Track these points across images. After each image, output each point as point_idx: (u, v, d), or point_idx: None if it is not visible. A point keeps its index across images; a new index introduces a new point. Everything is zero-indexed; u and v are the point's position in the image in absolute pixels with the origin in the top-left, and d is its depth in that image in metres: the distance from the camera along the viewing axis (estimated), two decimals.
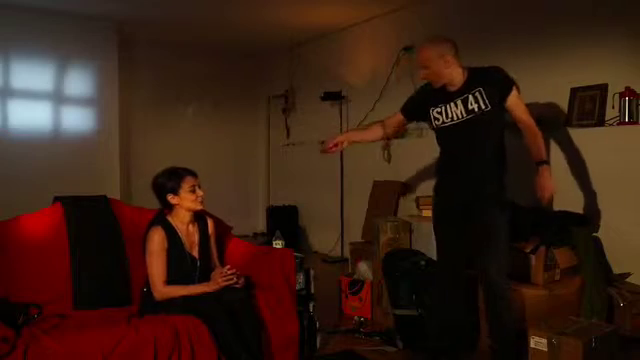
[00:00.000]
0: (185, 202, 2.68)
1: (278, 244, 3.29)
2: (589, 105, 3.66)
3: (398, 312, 3.31)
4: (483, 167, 2.70)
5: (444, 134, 2.79)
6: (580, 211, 3.55)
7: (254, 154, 7.61)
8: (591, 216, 3.50)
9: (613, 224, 3.43)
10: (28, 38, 5.34)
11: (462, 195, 2.75)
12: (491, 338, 2.77)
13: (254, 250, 3.15)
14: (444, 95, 2.73)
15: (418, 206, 4.13)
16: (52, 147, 5.51)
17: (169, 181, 2.68)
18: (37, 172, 5.28)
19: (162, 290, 2.59)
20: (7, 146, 5.26)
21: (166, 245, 2.64)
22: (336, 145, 3.02)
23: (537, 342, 2.60)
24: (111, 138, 5.85)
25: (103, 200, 3.06)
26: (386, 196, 5.30)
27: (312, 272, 3.13)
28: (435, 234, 2.92)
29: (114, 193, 5.19)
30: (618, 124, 3.49)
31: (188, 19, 5.72)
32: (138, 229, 2.88)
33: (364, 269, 3.95)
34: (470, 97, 2.66)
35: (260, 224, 7.43)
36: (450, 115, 2.72)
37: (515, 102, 2.67)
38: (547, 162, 2.65)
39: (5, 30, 5.24)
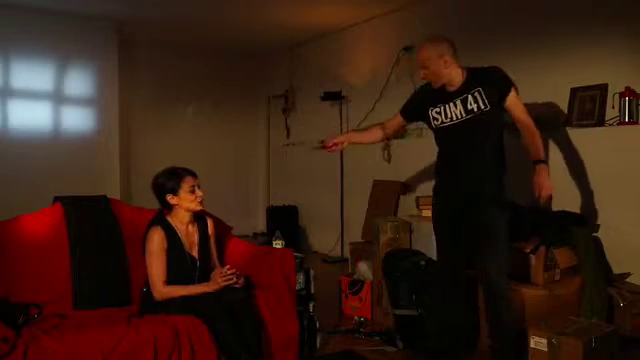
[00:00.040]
0: (184, 202, 2.68)
1: (278, 244, 3.29)
2: (589, 105, 3.66)
3: (398, 312, 3.31)
4: (482, 167, 2.70)
5: (443, 134, 2.79)
6: (580, 211, 3.56)
7: (254, 154, 7.61)
8: (591, 216, 3.50)
9: (613, 224, 3.42)
10: (28, 38, 5.34)
11: (462, 195, 2.75)
12: (491, 338, 2.77)
13: (254, 250, 3.15)
14: (443, 95, 2.73)
15: (418, 206, 4.13)
16: (52, 147, 5.51)
17: (169, 181, 2.68)
18: (37, 172, 5.28)
19: (162, 290, 2.60)
20: (7, 146, 5.26)
21: (166, 245, 2.64)
22: (336, 144, 3.03)
23: (537, 342, 2.60)
24: (111, 138, 5.85)
25: (103, 200, 3.07)
26: (386, 196, 5.29)
27: (312, 272, 3.12)
28: (435, 234, 2.92)
29: (114, 193, 5.19)
30: (618, 124, 3.49)
31: (188, 19, 5.72)
32: (138, 229, 2.88)
33: (364, 269, 3.95)
34: (469, 97, 2.66)
35: (260, 224, 7.43)
36: (449, 115, 2.72)
37: (514, 102, 2.67)
38: (545, 161, 2.65)
39: (5, 30, 5.24)
